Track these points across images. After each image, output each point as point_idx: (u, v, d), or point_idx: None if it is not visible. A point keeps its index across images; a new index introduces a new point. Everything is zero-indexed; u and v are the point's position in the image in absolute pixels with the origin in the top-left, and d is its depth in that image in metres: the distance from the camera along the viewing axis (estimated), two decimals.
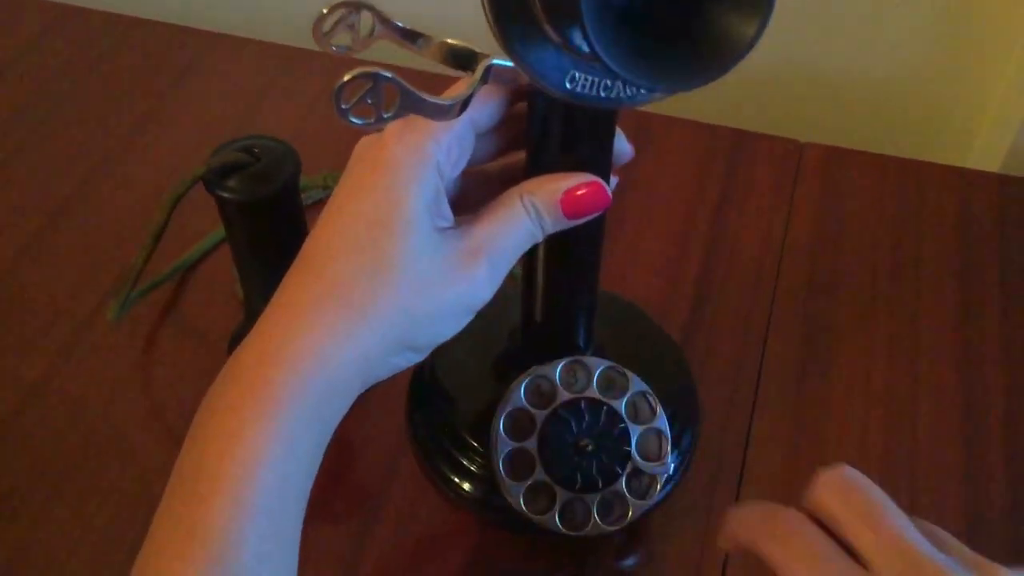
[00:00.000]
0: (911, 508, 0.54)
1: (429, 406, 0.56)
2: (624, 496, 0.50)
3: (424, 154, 0.40)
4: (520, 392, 0.50)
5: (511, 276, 0.62)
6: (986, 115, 0.82)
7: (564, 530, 0.50)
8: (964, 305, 0.65)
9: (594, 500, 0.50)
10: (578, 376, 0.51)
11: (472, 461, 0.53)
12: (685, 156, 0.75)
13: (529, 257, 0.48)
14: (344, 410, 0.40)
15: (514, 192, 0.43)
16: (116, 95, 0.80)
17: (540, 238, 0.43)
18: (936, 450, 0.58)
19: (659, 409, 0.51)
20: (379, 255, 0.39)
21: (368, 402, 0.58)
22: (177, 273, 0.66)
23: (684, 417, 0.55)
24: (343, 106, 0.37)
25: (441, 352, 0.56)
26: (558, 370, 0.50)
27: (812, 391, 0.61)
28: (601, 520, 0.50)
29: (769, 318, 0.64)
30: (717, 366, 0.62)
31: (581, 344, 0.53)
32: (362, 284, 0.39)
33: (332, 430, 0.40)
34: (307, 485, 0.40)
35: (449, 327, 0.42)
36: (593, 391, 0.50)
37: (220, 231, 0.66)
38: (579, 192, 0.42)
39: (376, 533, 0.54)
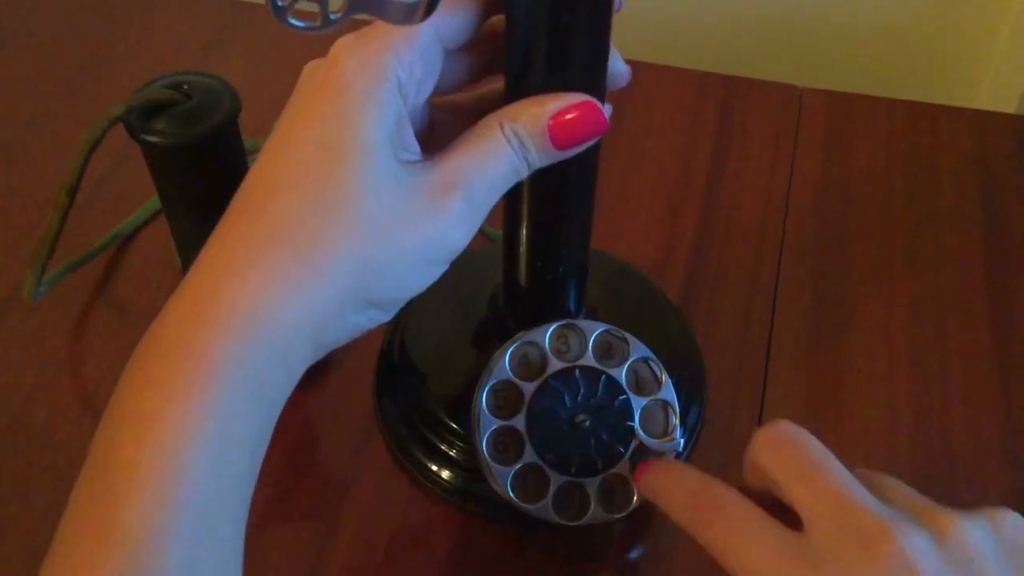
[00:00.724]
0: (950, 474, 0.50)
1: (399, 384, 0.52)
2: (627, 479, 0.45)
3: (382, 70, 0.34)
4: (505, 362, 0.44)
5: (488, 237, 0.57)
6: (992, 57, 0.78)
7: (559, 520, 0.45)
8: (989, 252, 0.60)
9: (593, 484, 0.45)
10: (571, 342, 0.45)
11: (451, 445, 0.49)
12: (675, 106, 0.70)
13: (512, 201, 0.42)
14: (293, 382, 0.34)
15: (493, 119, 0.37)
16: (47, 46, 0.74)
17: (525, 174, 0.37)
18: (972, 410, 0.53)
19: (665, 377, 0.45)
20: (332, 188, 0.33)
21: (328, 381, 0.54)
22: (112, 245, 0.59)
23: (690, 389, 0.51)
24: (280, 3, 0.31)
25: (412, 322, 0.51)
26: (548, 335, 0.45)
27: (829, 359, 0.55)
28: (602, 508, 0.45)
29: (777, 280, 0.59)
30: (722, 335, 0.56)
31: (572, 307, 0.48)
32: (312, 223, 0.33)
33: (279, 408, 0.34)
34: (250, 476, 0.34)
35: (418, 278, 0.36)
36: (589, 359, 0.45)
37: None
38: (569, 116, 0.37)
39: (342, 532, 0.49)
